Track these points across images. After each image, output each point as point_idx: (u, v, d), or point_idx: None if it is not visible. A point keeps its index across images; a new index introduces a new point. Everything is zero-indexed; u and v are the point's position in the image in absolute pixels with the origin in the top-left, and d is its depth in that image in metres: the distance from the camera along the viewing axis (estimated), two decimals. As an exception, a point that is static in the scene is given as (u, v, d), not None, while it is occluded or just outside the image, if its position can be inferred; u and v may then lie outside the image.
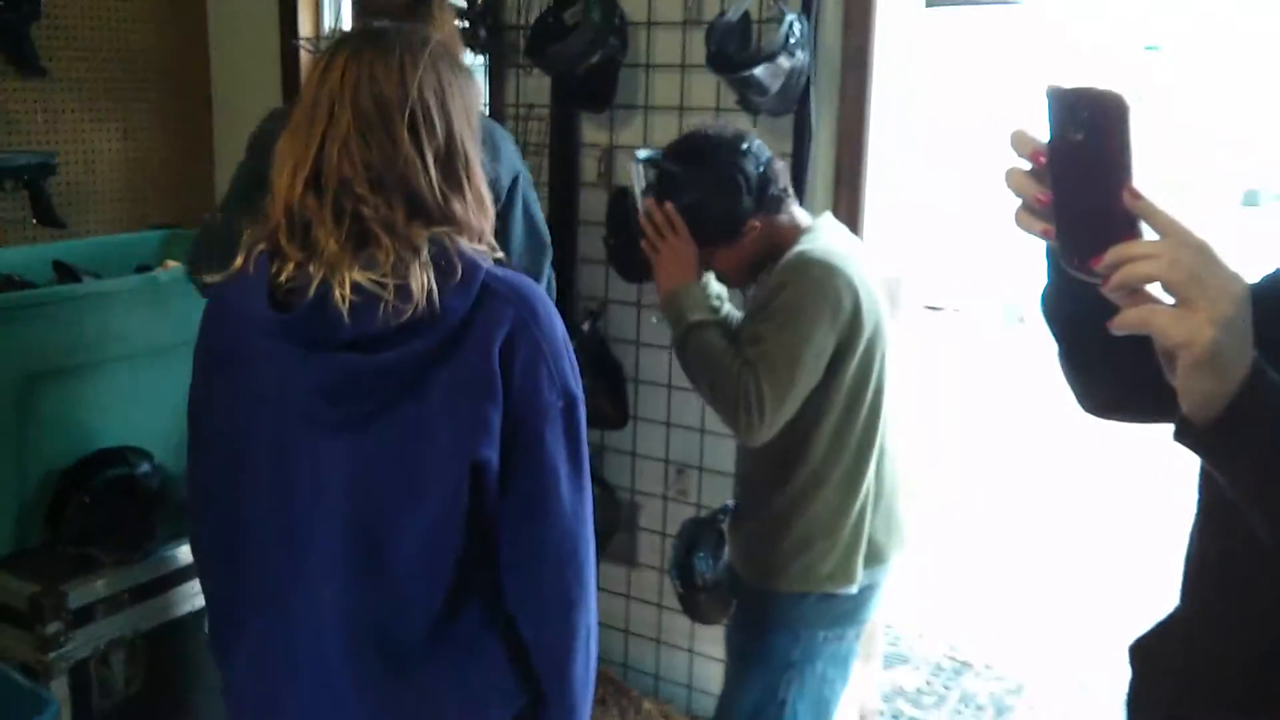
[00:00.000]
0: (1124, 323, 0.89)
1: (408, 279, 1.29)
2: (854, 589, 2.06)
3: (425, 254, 1.32)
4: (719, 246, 2.07)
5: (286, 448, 1.39)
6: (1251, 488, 0.95)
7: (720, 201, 2.02)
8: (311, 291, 1.30)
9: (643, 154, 2.15)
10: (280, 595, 1.44)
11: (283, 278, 1.34)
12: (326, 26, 3.45)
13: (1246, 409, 0.88)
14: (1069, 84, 0.92)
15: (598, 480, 3.01)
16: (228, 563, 1.50)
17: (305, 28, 3.40)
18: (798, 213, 2.13)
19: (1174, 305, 0.88)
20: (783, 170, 2.11)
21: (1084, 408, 1.26)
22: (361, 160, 1.33)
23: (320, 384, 1.35)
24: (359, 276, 1.29)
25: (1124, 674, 1.30)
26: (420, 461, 1.36)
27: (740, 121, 2.63)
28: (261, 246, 1.37)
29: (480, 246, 1.40)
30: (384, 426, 1.35)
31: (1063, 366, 1.23)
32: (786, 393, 1.91)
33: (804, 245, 2.00)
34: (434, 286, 1.30)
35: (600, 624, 3.04)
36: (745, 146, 2.04)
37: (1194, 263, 0.87)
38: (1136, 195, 0.90)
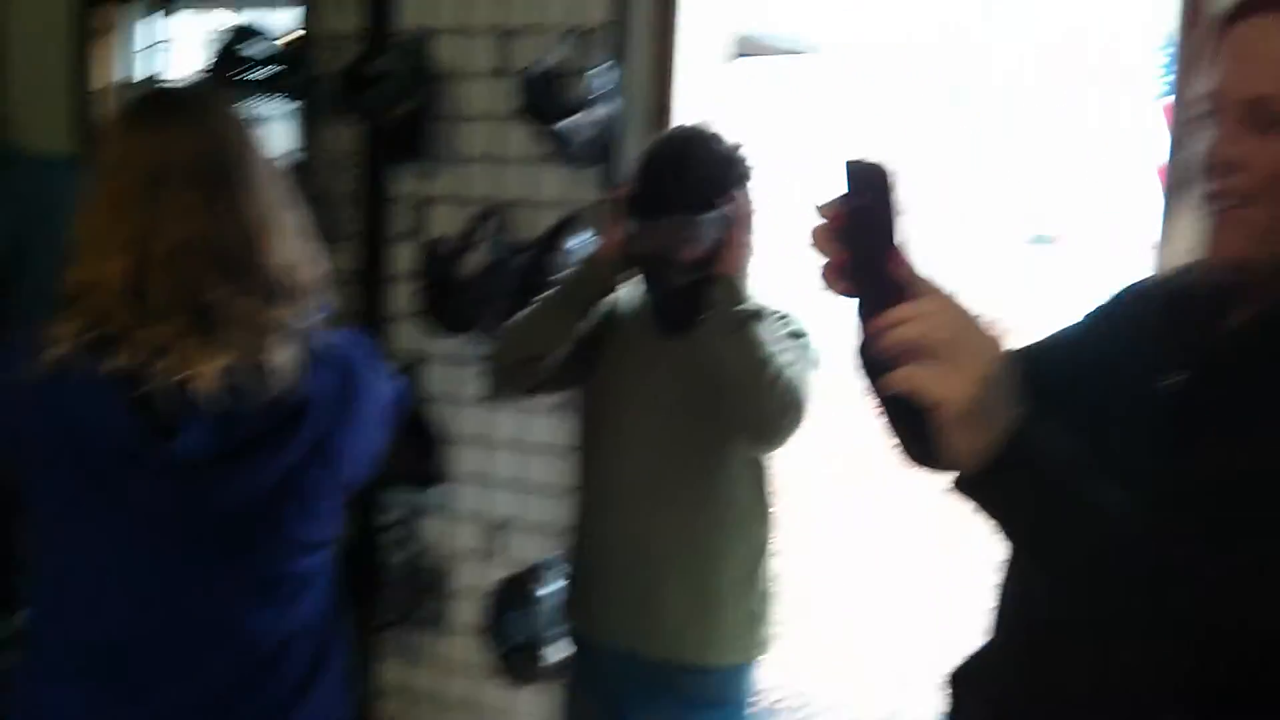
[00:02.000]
0: (891, 383, 0.93)
1: (267, 361, 1.24)
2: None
3: (282, 333, 1.26)
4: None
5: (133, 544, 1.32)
6: (1014, 535, 1.02)
7: None
8: (159, 390, 1.21)
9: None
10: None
11: (123, 369, 1.21)
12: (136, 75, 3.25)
13: (1004, 463, 0.93)
14: (854, 154, 0.97)
15: (416, 543, 2.92)
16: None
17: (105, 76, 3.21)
18: None
19: (936, 365, 0.91)
20: None
21: (905, 459, 1.29)
22: (205, 241, 1.24)
23: (178, 491, 1.27)
24: (214, 365, 1.21)
25: (937, 704, 1.32)
26: (268, 557, 1.35)
27: (553, 173, 2.62)
28: (85, 335, 1.23)
29: (315, 313, 1.34)
30: (240, 524, 1.31)
31: (881, 422, 1.25)
32: None
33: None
34: (293, 367, 1.26)
35: (410, 696, 2.89)
36: None
37: (952, 325, 0.93)
38: (899, 261, 0.95)
